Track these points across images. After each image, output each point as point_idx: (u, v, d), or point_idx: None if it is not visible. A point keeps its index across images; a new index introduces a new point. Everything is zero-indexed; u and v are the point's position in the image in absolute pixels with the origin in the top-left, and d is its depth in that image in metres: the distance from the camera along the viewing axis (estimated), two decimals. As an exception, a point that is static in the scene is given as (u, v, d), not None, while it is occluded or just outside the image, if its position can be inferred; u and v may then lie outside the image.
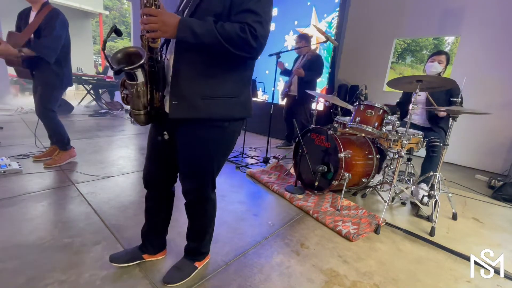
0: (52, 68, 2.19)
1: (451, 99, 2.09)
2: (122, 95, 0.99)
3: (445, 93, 2.31)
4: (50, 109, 2.30)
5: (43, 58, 2.11)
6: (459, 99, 1.92)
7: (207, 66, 0.93)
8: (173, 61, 0.95)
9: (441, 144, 2.23)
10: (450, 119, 1.91)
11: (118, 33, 0.92)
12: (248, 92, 1.06)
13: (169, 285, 1.15)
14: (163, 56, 0.99)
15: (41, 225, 1.50)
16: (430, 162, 2.26)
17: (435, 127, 2.37)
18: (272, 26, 4.65)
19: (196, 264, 1.25)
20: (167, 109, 0.99)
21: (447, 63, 2.35)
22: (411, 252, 1.59)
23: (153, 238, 1.30)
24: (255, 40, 0.86)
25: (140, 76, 0.91)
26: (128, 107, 1.04)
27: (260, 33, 0.86)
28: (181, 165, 1.08)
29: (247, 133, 3.31)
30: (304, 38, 3.50)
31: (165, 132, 1.02)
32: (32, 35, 2.11)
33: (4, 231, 1.41)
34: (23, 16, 2.19)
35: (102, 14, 10.69)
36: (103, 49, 0.91)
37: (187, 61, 0.94)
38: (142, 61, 0.88)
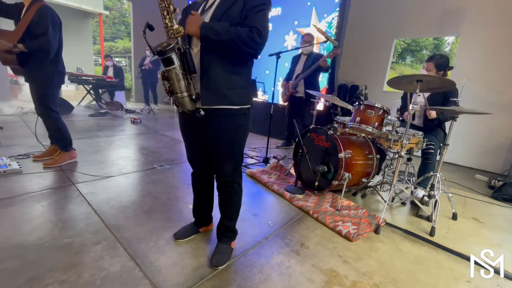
0: (43, 66, 2.17)
1: (451, 99, 2.09)
2: (165, 88, 1.15)
3: (442, 95, 2.30)
4: (51, 108, 2.28)
5: (35, 56, 2.11)
6: (459, 99, 1.92)
7: (228, 64, 1.16)
8: (199, 61, 1.15)
9: (438, 148, 2.23)
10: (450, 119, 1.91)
11: (151, 28, 1.10)
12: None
13: (219, 267, 1.29)
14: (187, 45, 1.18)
15: (41, 225, 1.50)
16: (425, 169, 2.26)
17: (431, 129, 2.35)
18: (271, 26, 4.65)
19: (232, 245, 1.42)
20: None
21: (439, 69, 2.22)
22: (411, 252, 1.59)
23: (201, 212, 1.55)
24: (260, 37, 1.11)
25: (175, 60, 1.08)
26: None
27: (263, 33, 1.12)
28: (219, 150, 1.26)
29: (247, 133, 3.31)
30: (312, 36, 3.47)
31: (200, 109, 1.17)
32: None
33: (4, 231, 1.41)
34: (17, 10, 2.15)
35: (102, 14, 10.68)
36: (144, 33, 1.11)
37: (212, 61, 1.15)
38: (173, 43, 1.06)
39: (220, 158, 1.28)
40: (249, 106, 1.26)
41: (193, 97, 1.15)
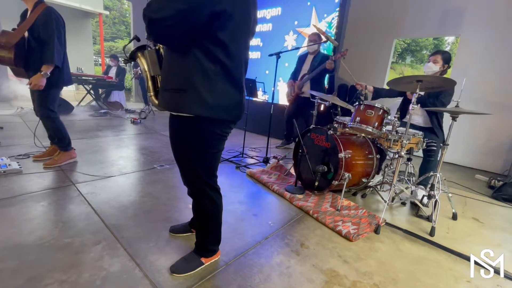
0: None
1: (443, 98, 2.10)
2: None
3: (436, 94, 2.31)
4: (50, 109, 2.28)
5: (38, 58, 2.11)
6: (459, 100, 1.91)
7: (166, 59, 1.03)
8: None
9: (440, 146, 2.24)
10: (450, 119, 1.91)
11: (137, 39, 1.19)
12: (212, 88, 0.98)
13: (175, 274, 1.21)
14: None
15: (41, 225, 1.50)
16: (427, 165, 2.26)
17: (435, 127, 2.36)
18: (271, 26, 4.65)
19: (203, 260, 1.28)
20: None
21: (445, 62, 2.30)
22: (411, 252, 1.59)
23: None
24: (144, 18, 0.86)
25: (141, 63, 1.12)
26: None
27: (149, 8, 0.84)
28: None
29: (247, 133, 3.31)
30: (318, 36, 3.43)
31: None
32: (27, 33, 2.09)
33: (4, 231, 1.41)
34: (22, 16, 2.19)
35: (102, 14, 10.68)
36: (123, 49, 1.23)
37: (165, 59, 1.05)
38: (136, 49, 1.12)
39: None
40: (184, 113, 0.99)
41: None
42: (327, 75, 3.55)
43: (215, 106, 0.99)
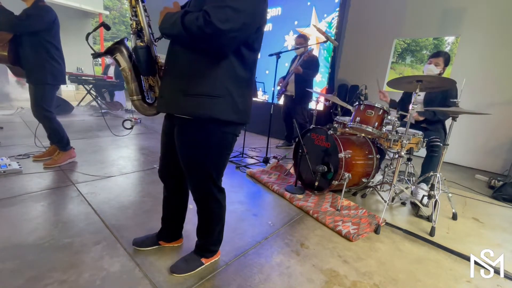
0: (42, 66, 2.16)
1: (451, 100, 2.09)
2: None
3: (441, 94, 2.31)
4: (45, 108, 2.27)
5: (33, 56, 2.11)
6: (459, 100, 1.91)
7: (190, 62, 0.95)
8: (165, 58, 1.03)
9: (441, 144, 2.23)
10: (450, 119, 1.91)
11: (106, 27, 1.05)
12: (242, 94, 1.01)
13: (175, 275, 1.20)
14: (152, 41, 1.06)
15: (41, 225, 1.50)
16: (430, 161, 2.26)
17: (431, 126, 2.36)
18: (271, 26, 4.65)
19: (203, 260, 1.28)
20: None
21: (445, 64, 2.32)
22: (411, 252, 1.59)
23: (167, 226, 1.38)
24: (207, 24, 0.79)
25: (122, 61, 1.00)
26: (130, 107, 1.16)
27: (215, 17, 0.79)
28: (181, 164, 1.12)
29: (247, 133, 3.31)
30: (304, 38, 3.53)
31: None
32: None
33: (4, 231, 1.41)
34: None
35: (102, 14, 10.67)
36: (86, 39, 1.04)
37: (174, 57, 0.99)
38: (114, 43, 1.00)
39: (183, 171, 1.13)
40: (216, 119, 0.96)
41: (150, 100, 1.06)
42: (320, 74, 3.63)
43: (243, 110, 1.03)
